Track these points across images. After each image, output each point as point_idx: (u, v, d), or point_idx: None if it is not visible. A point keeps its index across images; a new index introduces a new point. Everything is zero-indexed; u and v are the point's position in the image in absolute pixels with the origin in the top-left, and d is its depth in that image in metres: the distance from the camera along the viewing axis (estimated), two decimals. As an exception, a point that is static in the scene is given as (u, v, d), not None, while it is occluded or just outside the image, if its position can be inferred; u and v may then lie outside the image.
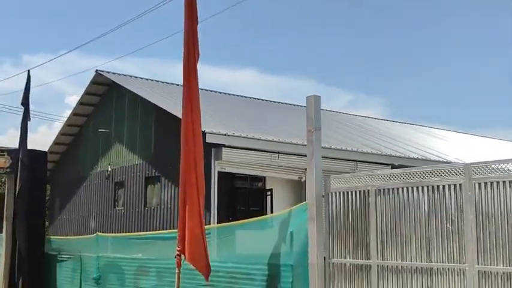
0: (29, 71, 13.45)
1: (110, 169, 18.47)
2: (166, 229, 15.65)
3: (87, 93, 20.16)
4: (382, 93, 68.40)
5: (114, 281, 11.14)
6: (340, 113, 26.76)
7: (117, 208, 18.55)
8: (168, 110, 15.30)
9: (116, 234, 14.79)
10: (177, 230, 7.73)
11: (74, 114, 20.90)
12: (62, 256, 13.44)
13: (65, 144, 21.98)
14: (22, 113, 13.15)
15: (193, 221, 7.57)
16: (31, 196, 12.78)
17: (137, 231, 16.52)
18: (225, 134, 14.61)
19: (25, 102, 13.08)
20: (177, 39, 8.89)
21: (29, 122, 13.20)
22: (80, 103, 20.58)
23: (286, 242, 7.45)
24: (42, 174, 14.10)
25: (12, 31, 63.70)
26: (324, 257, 7.06)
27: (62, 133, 21.71)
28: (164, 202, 16.24)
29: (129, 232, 16.51)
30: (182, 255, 7.54)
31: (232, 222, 10.48)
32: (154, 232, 12.60)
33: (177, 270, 7.57)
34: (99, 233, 12.24)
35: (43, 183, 14.09)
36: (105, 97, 20.20)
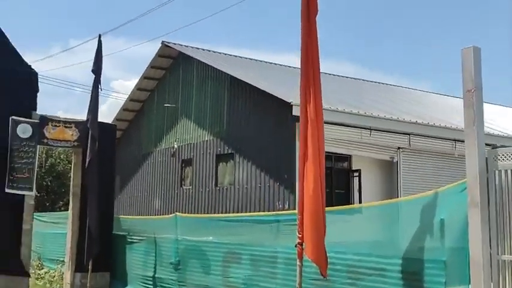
0: (100, 35, 12.36)
1: (176, 146, 17.35)
2: (241, 211, 14.43)
3: (151, 66, 19.06)
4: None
5: (197, 268, 9.96)
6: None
7: (184, 187, 17.45)
8: (247, 81, 13.94)
9: (199, 215, 13.62)
10: (297, 214, 6.36)
11: (138, 89, 19.88)
12: (133, 237, 12.40)
13: (127, 120, 21.04)
14: (93, 81, 12.04)
15: (315, 204, 6.20)
16: (100, 172, 11.71)
17: (207, 213, 15.40)
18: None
19: (96, 69, 11.97)
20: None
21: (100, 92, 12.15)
22: (144, 77, 19.51)
23: (434, 232, 5.96)
24: (111, 149, 13.05)
25: (60, 17, 64.06)
26: (490, 253, 5.55)
27: (124, 108, 20.76)
28: (238, 182, 15.00)
29: (197, 213, 15.39)
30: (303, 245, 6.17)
31: (345, 206, 9.06)
32: (249, 214, 11.34)
33: (298, 262, 6.21)
34: (179, 214, 11.06)
35: (112, 158, 13.02)
36: (171, 70, 19.04)
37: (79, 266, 12.26)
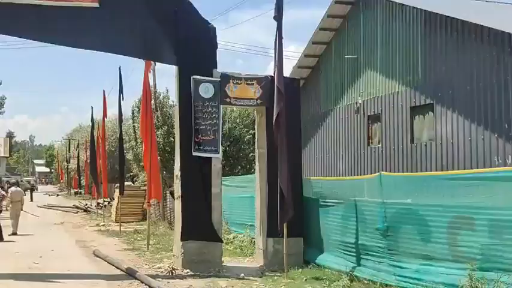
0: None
1: (360, 101, 15.78)
2: (445, 170, 12.44)
3: (328, 15, 17.54)
4: None
5: (412, 234, 8.40)
6: None
7: (371, 146, 15.88)
8: (447, 14, 11.68)
9: (411, 173, 11.95)
10: None
11: (313, 42, 18.54)
12: (327, 201, 11.20)
13: (302, 78, 19.89)
14: (276, 29, 10.83)
15: None
16: (288, 130, 10.57)
17: (400, 172, 13.64)
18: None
19: (278, 16, 10.75)
20: None
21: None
22: (320, 29, 18.09)
23: None
24: (296, 105, 11.88)
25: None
26: None
27: (298, 66, 19.62)
28: (440, 136, 12.97)
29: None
30: None
31: None
32: (489, 170, 9.45)
33: None
34: (384, 173, 9.55)
35: (298, 114, 11.86)
36: (350, 17, 17.30)
37: (271, 231, 11.43)
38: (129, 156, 22.11)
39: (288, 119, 10.72)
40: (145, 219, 23.61)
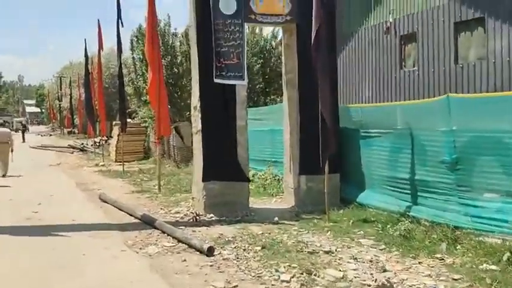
0: None
1: (391, 20, 13.93)
2: (496, 91, 10.85)
3: None
4: None
5: (491, 166, 6.90)
6: None
7: (405, 69, 14.16)
8: None
9: (488, 94, 10.29)
10: None
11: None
12: (369, 131, 9.67)
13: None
14: None
15: None
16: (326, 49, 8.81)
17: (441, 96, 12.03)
18: None
19: None
20: None
21: None
22: None
23: None
24: (333, 20, 10.03)
25: None
26: None
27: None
28: (494, 54, 11.26)
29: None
30: None
31: None
32: None
33: None
34: (452, 95, 7.94)
35: (334, 32, 10.05)
36: None
37: (304, 168, 10.01)
38: (129, 90, 20.32)
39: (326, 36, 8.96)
40: (147, 158, 22.44)
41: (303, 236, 7.80)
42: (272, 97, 20.87)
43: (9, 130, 19.18)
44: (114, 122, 26.79)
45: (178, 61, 18.68)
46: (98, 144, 27.62)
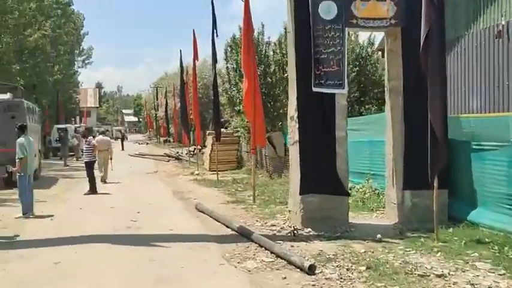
0: None
1: (503, 22, 12.86)
2: None
3: None
4: None
5: None
6: None
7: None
8: None
9: None
10: None
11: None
12: (482, 144, 8.86)
13: None
14: None
15: None
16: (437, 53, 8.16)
17: None
18: None
19: None
20: None
21: None
22: None
23: None
24: (441, 23, 9.31)
25: None
26: None
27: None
28: None
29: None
30: None
31: None
32: None
33: None
34: None
35: (443, 35, 9.35)
36: None
37: (408, 182, 9.37)
38: (222, 100, 20.47)
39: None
40: (240, 168, 22.48)
41: (411, 257, 7.23)
42: (367, 106, 20.12)
43: (109, 138, 20.00)
44: (207, 132, 27.23)
45: (272, 70, 18.53)
46: (192, 153, 28.17)
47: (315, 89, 8.89)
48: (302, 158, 9.04)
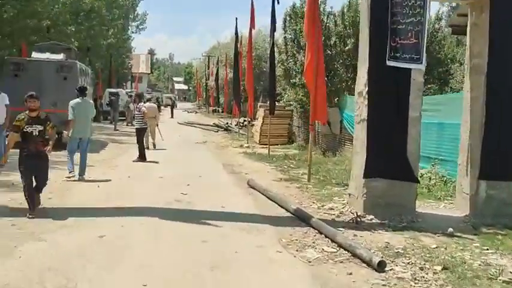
0: None
1: None
2: None
3: None
4: None
5: None
6: None
7: None
8: None
9: None
10: None
11: None
12: None
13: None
14: None
15: None
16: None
17: None
18: None
19: None
20: None
21: None
22: None
23: None
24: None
25: None
26: None
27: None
28: None
29: None
30: None
31: None
32: None
33: None
34: None
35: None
36: None
37: (485, 171, 8.42)
38: (278, 71, 19.64)
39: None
40: (291, 143, 21.77)
41: (490, 257, 6.41)
42: (430, 86, 18.89)
43: (155, 106, 19.74)
44: (259, 104, 26.54)
45: (332, 43, 17.52)
46: (242, 124, 27.62)
47: (389, 63, 8.00)
48: (369, 138, 8.22)
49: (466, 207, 8.75)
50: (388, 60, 8.02)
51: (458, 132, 10.90)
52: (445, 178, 10.79)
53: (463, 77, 10.32)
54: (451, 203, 9.51)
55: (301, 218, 7.86)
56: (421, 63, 8.10)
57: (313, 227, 7.34)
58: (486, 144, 8.37)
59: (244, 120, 28.01)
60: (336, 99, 18.01)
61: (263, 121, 21.34)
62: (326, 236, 6.93)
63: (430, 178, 10.97)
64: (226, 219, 7.79)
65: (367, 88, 8.26)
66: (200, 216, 7.87)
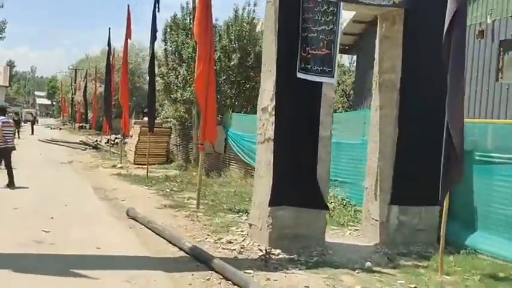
0: None
1: (489, 21, 11.59)
2: None
3: None
4: None
5: None
6: None
7: (502, 81, 11.83)
8: None
9: None
10: None
11: None
12: (490, 156, 7.41)
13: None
14: None
15: None
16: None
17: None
18: None
19: None
20: None
21: None
22: None
23: None
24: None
25: None
26: None
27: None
28: None
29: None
30: None
31: None
32: None
33: None
34: None
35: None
36: None
37: (397, 196, 7.72)
38: (158, 85, 18.07)
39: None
40: (170, 162, 20.23)
41: (422, 298, 5.54)
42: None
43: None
44: (133, 120, 24.64)
45: (216, 57, 16.44)
46: (113, 142, 25.45)
47: (299, 75, 6.98)
48: (276, 161, 7.10)
49: (374, 235, 8.00)
50: (299, 72, 6.99)
51: (355, 153, 10.31)
52: (345, 201, 10.05)
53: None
54: (356, 230, 8.71)
55: (199, 259, 6.45)
56: (333, 76, 7.20)
57: (216, 271, 5.98)
58: (398, 165, 7.68)
59: (116, 138, 25.83)
60: (219, 117, 16.87)
61: (139, 139, 19.57)
62: (234, 283, 5.61)
63: (330, 202, 10.15)
64: (103, 267, 6.11)
65: (273, 103, 7.14)
66: (69, 265, 6.04)
